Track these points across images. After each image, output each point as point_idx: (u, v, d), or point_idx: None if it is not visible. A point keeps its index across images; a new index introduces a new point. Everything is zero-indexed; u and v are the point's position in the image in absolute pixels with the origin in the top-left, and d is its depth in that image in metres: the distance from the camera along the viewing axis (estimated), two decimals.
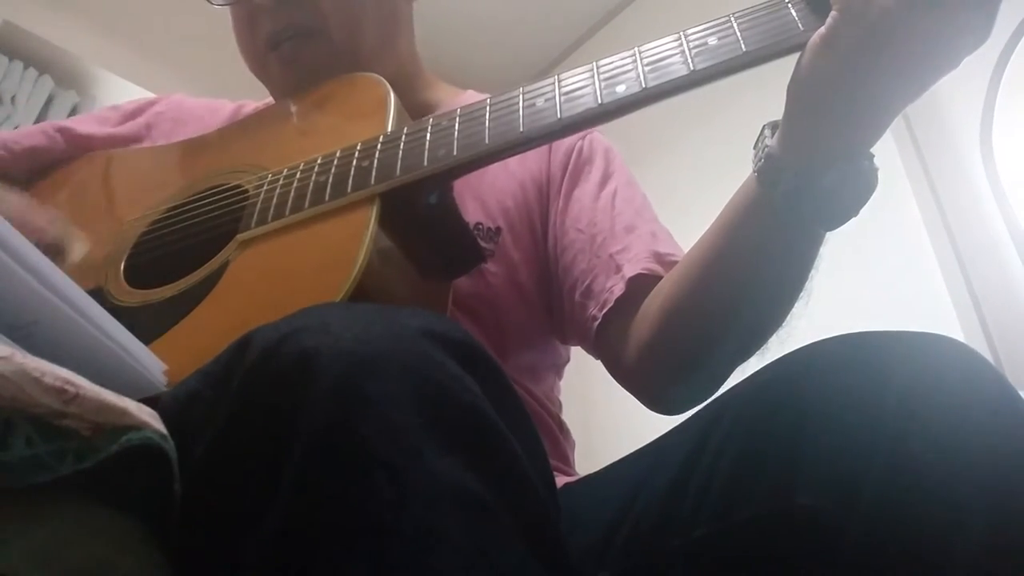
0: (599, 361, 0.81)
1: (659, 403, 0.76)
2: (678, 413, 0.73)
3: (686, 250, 0.73)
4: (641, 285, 0.74)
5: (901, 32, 0.50)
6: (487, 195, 0.82)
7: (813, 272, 0.63)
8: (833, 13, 0.52)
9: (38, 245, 0.63)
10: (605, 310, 0.75)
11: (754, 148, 0.61)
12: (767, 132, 0.60)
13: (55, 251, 0.71)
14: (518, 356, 0.82)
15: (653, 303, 0.72)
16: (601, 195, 0.82)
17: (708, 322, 0.68)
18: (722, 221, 0.66)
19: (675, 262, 0.75)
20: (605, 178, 0.84)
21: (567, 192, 0.83)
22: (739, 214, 0.64)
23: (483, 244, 0.79)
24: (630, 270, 0.75)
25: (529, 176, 0.84)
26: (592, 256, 0.78)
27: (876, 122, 0.56)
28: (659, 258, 0.76)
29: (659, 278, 0.74)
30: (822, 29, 0.53)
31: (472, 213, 0.80)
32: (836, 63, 0.53)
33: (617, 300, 0.74)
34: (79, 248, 0.73)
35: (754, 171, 0.61)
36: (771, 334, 0.66)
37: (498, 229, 0.81)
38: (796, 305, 0.64)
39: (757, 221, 0.62)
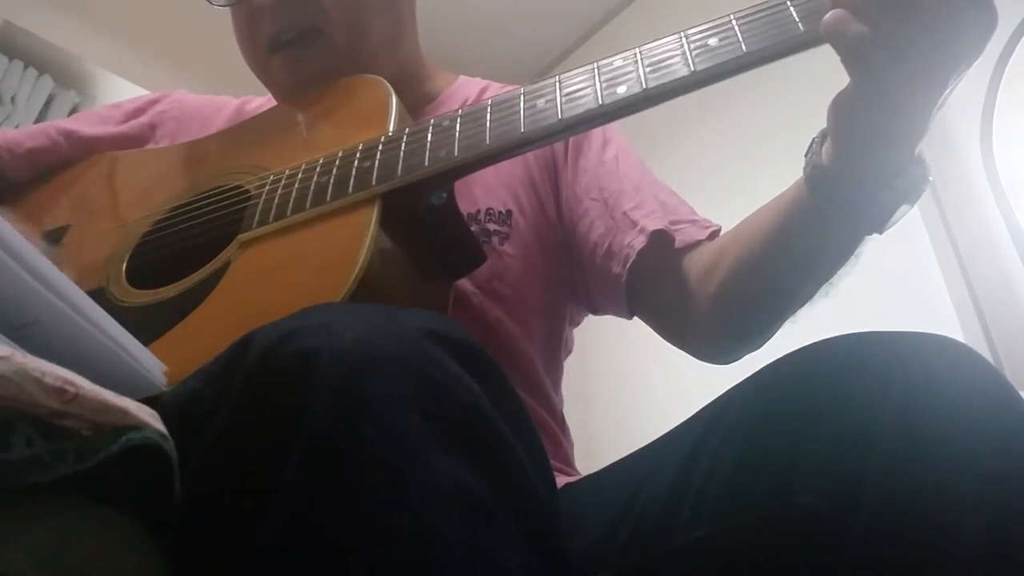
0: (642, 321, 0.84)
1: (713, 359, 0.80)
2: (728, 363, 0.79)
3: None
4: (661, 240, 0.77)
5: (913, 48, 0.50)
6: (493, 180, 0.82)
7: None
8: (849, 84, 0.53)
9: None
10: (628, 265, 0.77)
11: (805, 156, 0.62)
12: (816, 143, 0.61)
13: None
14: (539, 337, 0.83)
15: (708, 280, 0.74)
16: (604, 160, 0.84)
17: (769, 301, 0.71)
18: (777, 214, 0.67)
19: (687, 224, 0.79)
20: (605, 143, 0.86)
21: (573, 164, 0.85)
22: (793, 212, 0.65)
23: (497, 227, 0.80)
24: (650, 224, 0.77)
25: (533, 155, 0.85)
26: (607, 219, 0.80)
27: (911, 138, 0.56)
28: (673, 223, 0.79)
29: (672, 238, 0.78)
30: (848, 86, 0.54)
31: (481, 199, 0.81)
32: (859, 107, 0.54)
33: (639, 253, 0.76)
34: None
35: (805, 182, 0.62)
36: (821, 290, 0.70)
37: (509, 212, 0.81)
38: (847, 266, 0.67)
39: (810, 222, 0.64)
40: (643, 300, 0.81)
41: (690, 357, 0.83)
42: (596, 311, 0.88)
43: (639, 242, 0.77)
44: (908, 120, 0.54)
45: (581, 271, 0.83)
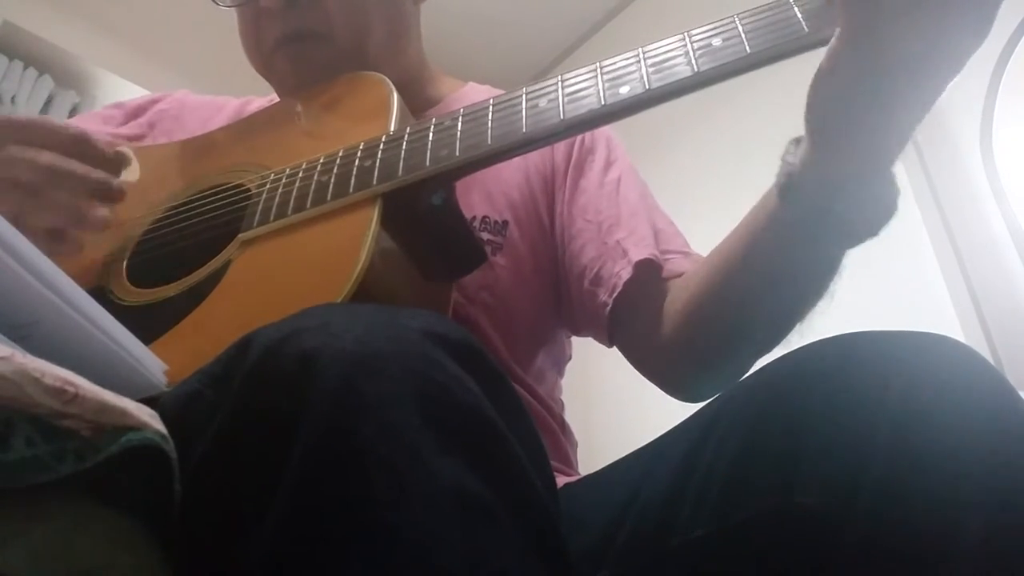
0: (619, 351, 0.82)
1: (680, 393, 0.78)
2: (699, 401, 0.75)
3: (694, 246, 0.76)
4: (648, 270, 0.76)
5: (900, 45, 0.49)
6: (493, 188, 0.82)
7: (836, 278, 0.63)
8: (832, 41, 0.51)
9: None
10: (615, 295, 0.76)
11: (781, 160, 0.61)
12: (791, 148, 0.59)
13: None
14: (526, 350, 0.82)
15: (675, 304, 0.73)
16: (605, 182, 0.84)
17: (730, 327, 0.69)
18: (745, 227, 0.66)
19: (679, 255, 0.77)
20: (608, 165, 0.85)
21: (572, 182, 0.84)
22: (760, 223, 0.64)
23: (490, 237, 0.80)
24: (636, 254, 0.77)
25: (534, 168, 0.85)
26: (600, 244, 0.80)
27: (885, 146, 0.54)
28: (664, 252, 0.78)
29: (660, 268, 0.77)
30: (823, 60, 0.52)
31: (478, 206, 0.81)
32: (839, 89, 0.52)
33: (625, 284, 0.76)
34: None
35: (775, 186, 0.60)
36: (792, 331, 0.67)
37: (505, 222, 0.81)
38: (818, 305, 0.65)
39: (777, 232, 0.62)
40: (623, 330, 0.79)
41: None
42: (577, 332, 0.87)
43: (626, 273, 0.76)
44: (882, 135, 0.53)
45: (567, 291, 0.83)
